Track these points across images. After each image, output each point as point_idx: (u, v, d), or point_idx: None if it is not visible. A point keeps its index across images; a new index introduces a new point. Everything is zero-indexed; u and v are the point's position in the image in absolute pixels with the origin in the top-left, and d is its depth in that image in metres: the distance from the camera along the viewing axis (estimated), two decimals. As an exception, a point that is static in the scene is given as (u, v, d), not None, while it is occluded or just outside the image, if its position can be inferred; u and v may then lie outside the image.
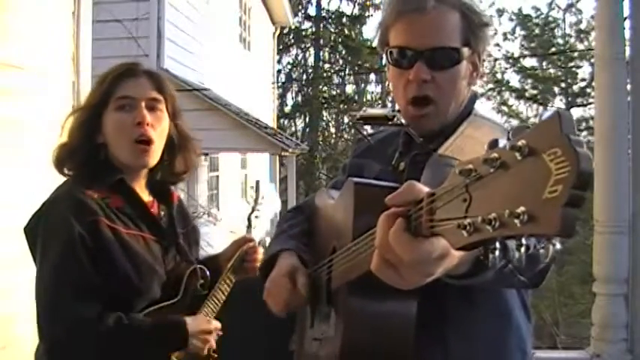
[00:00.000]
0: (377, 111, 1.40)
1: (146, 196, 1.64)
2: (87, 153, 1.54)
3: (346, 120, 21.37)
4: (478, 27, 1.28)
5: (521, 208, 0.57)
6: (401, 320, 1.11)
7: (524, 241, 0.61)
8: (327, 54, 21.47)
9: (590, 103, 16.53)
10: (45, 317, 1.44)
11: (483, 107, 18.77)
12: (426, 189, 0.77)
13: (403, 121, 1.32)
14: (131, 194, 1.57)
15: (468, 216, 0.63)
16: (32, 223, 1.51)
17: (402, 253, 0.76)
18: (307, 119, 21.00)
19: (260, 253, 1.73)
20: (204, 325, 1.59)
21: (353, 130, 21.16)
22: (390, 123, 1.34)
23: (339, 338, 1.15)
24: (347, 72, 21.19)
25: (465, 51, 1.27)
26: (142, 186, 1.63)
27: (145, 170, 1.60)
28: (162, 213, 1.67)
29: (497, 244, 0.63)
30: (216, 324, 1.63)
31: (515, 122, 18.34)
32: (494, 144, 0.62)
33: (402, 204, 0.78)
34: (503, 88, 18.79)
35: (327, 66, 21.60)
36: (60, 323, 1.42)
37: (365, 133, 1.59)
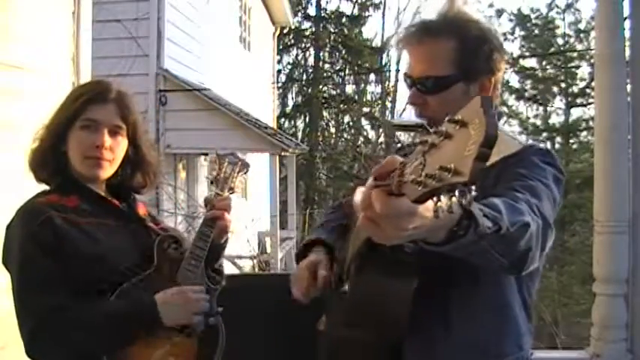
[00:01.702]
0: (410, 120, 1.54)
1: (103, 194, 1.71)
2: (55, 162, 1.65)
3: (346, 120, 21.38)
4: (476, 52, 1.42)
5: (451, 165, 0.75)
6: (400, 291, 1.28)
7: (456, 193, 0.77)
8: (327, 54, 21.45)
9: (590, 103, 16.52)
10: (19, 317, 1.52)
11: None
12: (397, 161, 0.93)
13: (428, 128, 1.44)
14: (85, 191, 1.65)
15: (421, 174, 0.80)
16: (3, 245, 1.62)
17: (380, 208, 0.91)
18: (307, 119, 20.99)
19: (226, 199, 1.75)
20: (175, 295, 1.58)
21: (353, 130, 21.18)
22: (420, 130, 1.45)
23: (350, 303, 1.33)
24: (347, 72, 21.18)
25: (457, 76, 1.42)
26: (101, 189, 1.71)
27: (101, 181, 1.70)
28: (123, 204, 1.73)
29: (442, 197, 0.78)
30: (191, 289, 1.61)
31: (515, 122, 18.36)
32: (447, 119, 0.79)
33: (384, 173, 0.94)
34: (503, 88, 18.76)
35: (327, 66, 21.59)
36: (30, 316, 1.50)
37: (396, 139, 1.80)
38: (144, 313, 1.54)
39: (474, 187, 0.76)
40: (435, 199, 0.79)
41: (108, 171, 1.66)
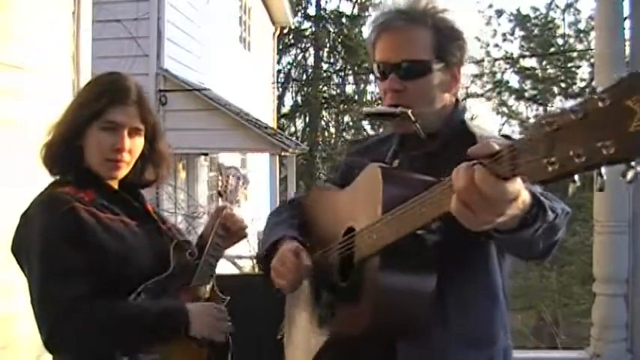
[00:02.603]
0: (385, 108, 1.47)
1: (118, 190, 1.71)
2: (70, 156, 1.63)
3: (346, 120, 21.38)
4: (451, 41, 1.46)
5: (608, 142, 0.75)
6: (422, 288, 1.26)
7: (602, 170, 0.79)
8: (326, 54, 21.45)
9: (590, 103, 16.45)
10: (40, 306, 1.49)
11: (483, 107, 18.75)
12: (497, 145, 0.94)
13: (412, 117, 1.42)
14: (101, 185, 1.64)
15: (553, 154, 0.81)
16: (16, 234, 1.59)
17: (490, 192, 0.93)
18: (307, 119, 20.99)
19: (236, 216, 1.76)
20: (207, 309, 1.60)
21: (353, 130, 21.18)
22: (397, 118, 1.43)
23: (368, 303, 1.27)
24: (347, 72, 21.18)
25: (436, 63, 1.44)
26: (114, 184, 1.71)
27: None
28: (136, 203, 1.73)
29: (576, 178, 0.81)
30: (219, 308, 1.63)
31: (515, 122, 18.36)
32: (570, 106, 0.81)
33: (480, 156, 0.95)
34: (503, 89, 18.78)
35: (326, 66, 21.59)
36: (55, 306, 1.47)
37: (365, 133, 1.74)
38: (173, 318, 1.54)
39: (633, 163, 0.77)
40: (570, 177, 0.81)
41: (124, 172, 1.67)
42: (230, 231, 1.74)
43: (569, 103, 0.79)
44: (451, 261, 1.28)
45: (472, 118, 15.54)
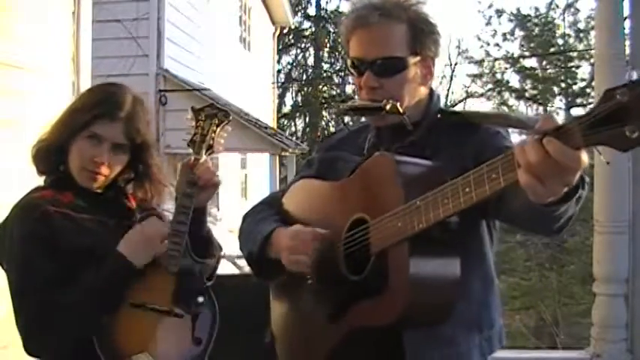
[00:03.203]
0: (371, 102, 1.45)
1: (99, 191, 1.71)
2: (55, 160, 1.66)
3: (346, 120, 21.35)
4: (426, 35, 1.45)
5: None
6: (450, 275, 1.27)
7: None
8: (326, 54, 21.45)
9: (590, 103, 16.51)
10: (16, 313, 1.54)
11: (484, 107, 18.74)
12: (558, 120, 0.99)
13: (400, 109, 1.42)
14: (80, 188, 1.65)
15: (630, 123, 0.88)
16: None
17: (567, 161, 0.97)
18: (307, 119, 20.99)
19: (204, 165, 1.62)
20: (133, 237, 1.58)
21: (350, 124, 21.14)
22: (383, 112, 1.42)
23: (399, 293, 1.25)
24: (347, 72, 21.17)
25: (411, 58, 1.44)
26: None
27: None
28: (119, 203, 1.73)
29: None
30: (142, 227, 1.60)
31: (515, 122, 18.31)
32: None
33: (547, 130, 0.99)
34: (503, 88, 18.78)
35: (327, 66, 21.59)
36: (25, 314, 1.53)
37: (342, 124, 1.71)
38: (116, 268, 1.55)
39: None
40: None
41: (101, 183, 1.67)
42: (199, 185, 1.61)
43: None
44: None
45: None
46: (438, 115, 1.51)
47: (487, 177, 1.09)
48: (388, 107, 1.40)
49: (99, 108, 1.63)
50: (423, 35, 1.44)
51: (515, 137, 1.45)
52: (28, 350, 1.56)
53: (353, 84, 1.61)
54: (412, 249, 1.24)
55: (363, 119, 1.65)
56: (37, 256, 1.54)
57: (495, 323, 1.49)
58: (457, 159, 1.34)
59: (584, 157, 0.98)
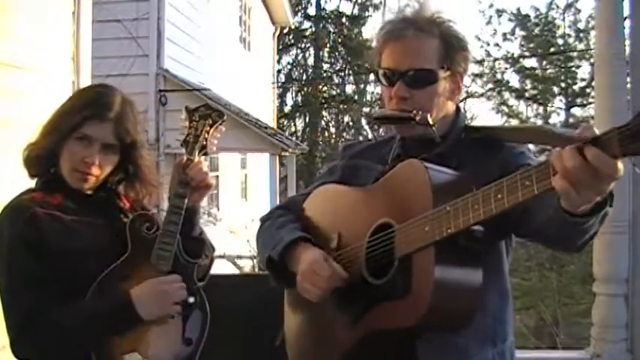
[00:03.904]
0: (401, 112, 1.48)
1: (89, 192, 1.71)
2: (46, 162, 1.67)
3: (346, 120, 21.37)
4: (457, 51, 1.49)
5: None
6: (473, 283, 1.29)
7: None
8: (327, 54, 21.45)
9: (590, 103, 16.52)
10: (4, 315, 1.56)
11: (484, 107, 18.73)
12: (596, 129, 1.03)
13: (430, 121, 1.45)
14: (70, 190, 1.66)
15: None
16: None
17: (605, 169, 1.00)
18: (307, 119, 20.99)
19: (197, 165, 1.62)
20: (150, 289, 1.56)
21: (353, 130, 21.18)
22: (413, 122, 1.45)
23: (422, 297, 1.26)
24: (347, 72, 21.18)
25: (442, 72, 1.48)
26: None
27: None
28: (109, 204, 1.73)
29: None
30: (163, 281, 1.57)
31: (515, 122, 18.34)
32: None
33: (586, 138, 1.02)
34: (503, 88, 18.77)
35: (327, 66, 21.58)
36: (14, 318, 1.55)
37: (366, 134, 1.72)
38: (122, 313, 1.55)
39: None
40: None
41: (92, 184, 1.67)
42: (191, 185, 1.61)
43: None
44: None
45: (472, 119, 15.54)
46: (462, 135, 1.53)
47: (521, 184, 1.11)
48: (418, 118, 1.43)
49: (88, 109, 1.64)
50: (453, 51, 1.49)
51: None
52: (16, 353, 1.57)
53: (354, 86, 1.61)
54: (438, 255, 1.25)
55: (382, 130, 1.70)
56: (24, 258, 1.55)
57: (508, 338, 1.50)
58: (481, 175, 1.34)
59: (621, 165, 1.01)
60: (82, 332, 1.53)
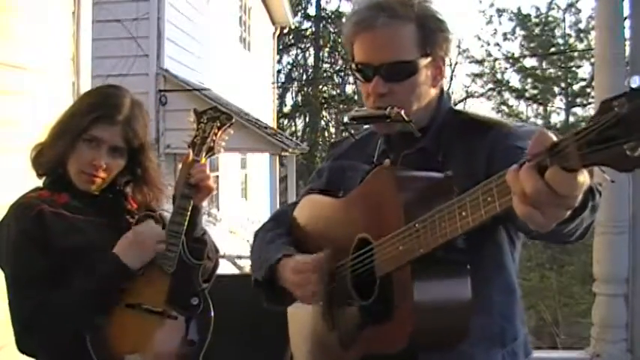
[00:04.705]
0: (374, 111, 1.37)
1: (96, 193, 1.72)
2: (54, 162, 1.67)
3: (346, 120, 21.34)
4: (436, 33, 1.35)
5: None
6: (460, 296, 1.19)
7: None
8: (327, 54, 21.45)
9: (590, 103, 16.52)
10: (10, 312, 1.57)
11: (484, 107, 18.75)
12: (553, 136, 0.87)
13: (405, 117, 1.33)
14: (76, 189, 1.67)
15: (631, 139, 0.76)
16: None
17: (565, 189, 0.86)
18: (307, 119, 20.99)
19: (202, 167, 1.63)
20: (129, 240, 1.59)
21: (353, 130, 21.14)
22: (388, 120, 1.34)
23: (404, 319, 1.19)
24: (347, 72, 21.18)
25: (422, 60, 1.33)
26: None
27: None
28: (115, 204, 1.74)
29: None
30: (137, 231, 1.60)
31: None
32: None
33: (539, 152, 0.87)
34: (503, 88, 18.79)
35: (327, 66, 21.59)
36: (19, 313, 1.56)
37: (348, 134, 1.63)
38: (110, 270, 1.56)
39: None
40: None
41: (98, 186, 1.68)
42: (195, 186, 1.62)
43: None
44: (475, 259, 1.22)
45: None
46: (447, 117, 1.41)
47: (482, 199, 1.00)
48: (392, 115, 1.31)
49: (97, 111, 1.64)
50: (432, 34, 1.34)
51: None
52: (21, 348, 1.58)
53: (353, 86, 1.54)
54: (416, 272, 1.16)
55: (365, 127, 1.59)
56: (30, 254, 1.56)
57: (519, 334, 1.39)
58: (469, 162, 1.28)
59: (584, 178, 0.87)
60: (81, 304, 1.54)
